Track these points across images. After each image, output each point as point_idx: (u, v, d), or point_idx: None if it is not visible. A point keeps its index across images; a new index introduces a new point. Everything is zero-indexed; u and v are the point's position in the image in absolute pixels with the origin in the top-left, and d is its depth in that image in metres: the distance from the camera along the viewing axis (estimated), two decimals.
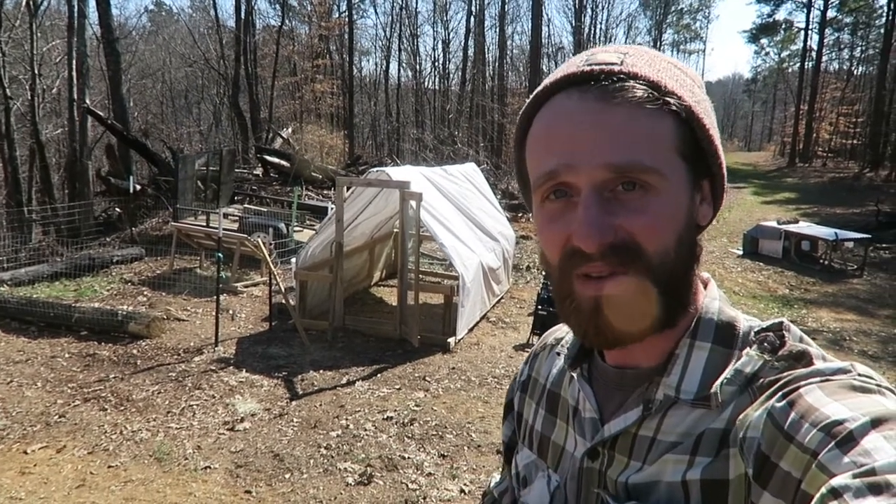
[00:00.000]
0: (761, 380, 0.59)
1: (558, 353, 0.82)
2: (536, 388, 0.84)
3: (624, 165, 0.57)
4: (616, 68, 0.59)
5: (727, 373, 0.61)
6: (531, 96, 0.65)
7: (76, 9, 13.97)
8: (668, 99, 0.58)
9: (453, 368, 5.96)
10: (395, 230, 8.72)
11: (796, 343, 0.61)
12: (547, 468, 0.76)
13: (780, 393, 0.55)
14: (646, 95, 0.58)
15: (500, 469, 0.97)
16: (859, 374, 0.55)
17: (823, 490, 0.45)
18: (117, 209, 13.53)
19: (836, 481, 0.44)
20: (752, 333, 0.64)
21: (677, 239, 0.60)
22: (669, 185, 0.59)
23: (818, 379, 0.55)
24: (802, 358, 0.59)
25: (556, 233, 0.62)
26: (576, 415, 0.74)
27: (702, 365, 0.63)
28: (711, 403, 0.60)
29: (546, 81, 0.63)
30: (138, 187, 13.29)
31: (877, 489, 0.42)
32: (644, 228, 0.58)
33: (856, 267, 11.83)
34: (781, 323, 0.63)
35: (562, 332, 0.85)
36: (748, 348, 0.62)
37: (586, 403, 0.71)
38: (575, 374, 0.74)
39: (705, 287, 0.70)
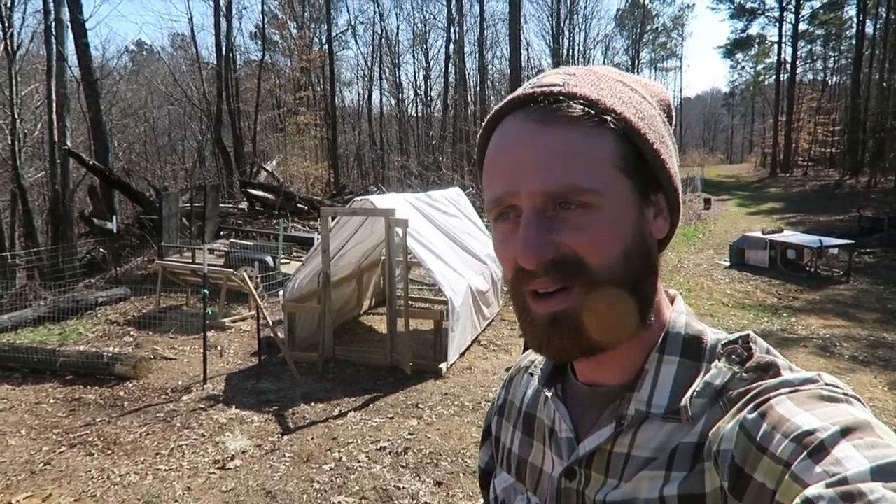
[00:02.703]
0: (731, 392, 0.60)
1: (531, 374, 0.82)
2: (512, 410, 0.83)
3: (557, 192, 0.58)
4: (557, 89, 0.60)
5: (697, 385, 0.62)
6: (485, 122, 0.66)
7: (55, 52, 14.01)
8: (604, 116, 0.59)
9: (446, 394, 5.91)
10: (383, 258, 8.69)
11: (763, 355, 0.62)
12: (526, 491, 0.76)
13: (751, 405, 0.56)
14: (582, 114, 0.59)
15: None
16: (826, 384, 0.55)
17: (798, 500, 0.45)
18: (101, 250, 13.41)
19: (810, 491, 0.45)
20: (720, 346, 0.65)
21: (623, 253, 0.60)
22: (609, 202, 0.59)
23: (787, 389, 0.55)
24: (770, 369, 0.60)
25: (507, 252, 0.63)
26: (552, 435, 0.73)
27: (671, 378, 0.64)
28: (682, 416, 0.61)
29: (496, 106, 0.65)
30: (122, 227, 13.20)
31: (850, 498, 0.42)
32: (585, 244, 0.59)
33: (841, 273, 11.93)
34: (748, 335, 0.64)
35: (535, 354, 0.84)
36: (716, 361, 0.63)
37: (562, 423, 0.71)
38: (549, 394, 0.74)
39: (672, 303, 0.71)
